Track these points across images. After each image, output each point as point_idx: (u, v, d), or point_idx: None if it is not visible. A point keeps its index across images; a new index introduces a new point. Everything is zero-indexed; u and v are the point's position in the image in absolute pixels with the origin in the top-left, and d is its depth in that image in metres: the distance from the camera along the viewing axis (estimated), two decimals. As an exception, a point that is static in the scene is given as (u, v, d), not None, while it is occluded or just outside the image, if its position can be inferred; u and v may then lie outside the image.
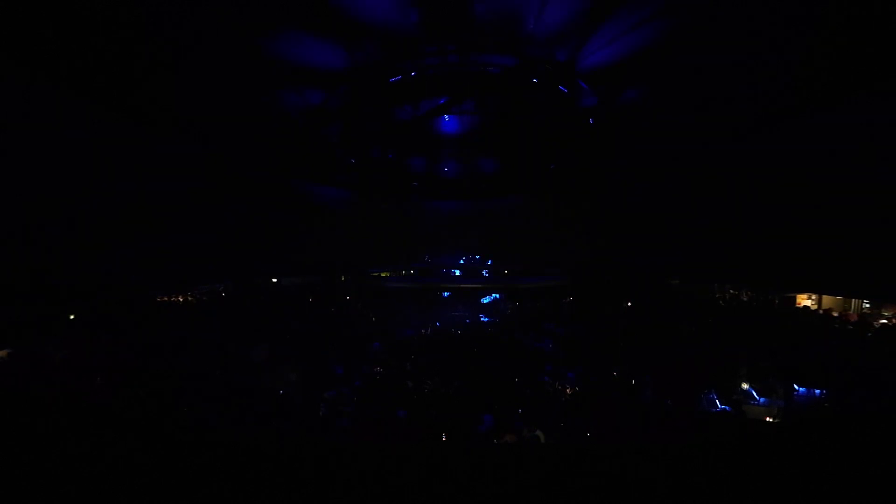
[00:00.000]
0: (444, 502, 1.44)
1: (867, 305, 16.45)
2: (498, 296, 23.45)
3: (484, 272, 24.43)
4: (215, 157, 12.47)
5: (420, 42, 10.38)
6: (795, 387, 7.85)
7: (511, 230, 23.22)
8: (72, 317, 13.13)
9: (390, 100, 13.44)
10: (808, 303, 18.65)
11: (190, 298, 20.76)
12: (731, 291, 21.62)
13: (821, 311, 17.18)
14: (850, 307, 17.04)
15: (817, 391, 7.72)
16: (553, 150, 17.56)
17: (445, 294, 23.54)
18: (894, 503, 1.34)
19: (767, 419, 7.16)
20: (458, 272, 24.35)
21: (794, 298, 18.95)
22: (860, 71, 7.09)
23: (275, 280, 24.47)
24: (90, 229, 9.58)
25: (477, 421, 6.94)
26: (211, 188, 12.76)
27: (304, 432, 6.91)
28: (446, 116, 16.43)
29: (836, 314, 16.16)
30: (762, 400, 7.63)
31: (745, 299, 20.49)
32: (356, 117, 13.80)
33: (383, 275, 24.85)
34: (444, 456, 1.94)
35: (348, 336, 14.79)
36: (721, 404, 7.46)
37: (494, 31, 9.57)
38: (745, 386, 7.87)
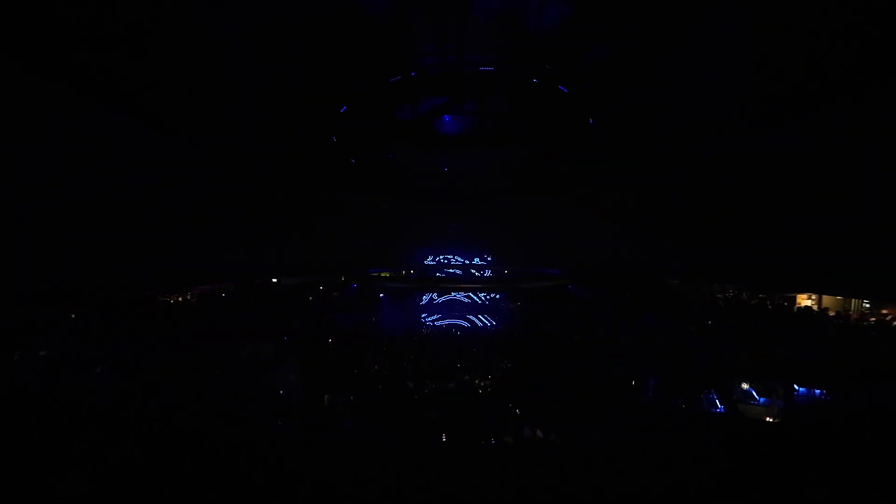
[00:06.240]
0: (443, 502, 1.44)
1: (867, 305, 16.46)
2: (498, 296, 23.45)
3: (485, 272, 24.42)
4: (212, 158, 12.48)
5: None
6: (795, 387, 7.85)
7: (512, 230, 23.23)
8: (73, 316, 13.14)
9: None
10: (809, 303, 18.64)
11: (190, 298, 20.76)
12: (731, 291, 21.62)
13: (821, 312, 17.18)
14: (850, 307, 17.05)
15: (817, 391, 7.72)
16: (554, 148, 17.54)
17: (444, 295, 23.55)
18: (894, 503, 1.34)
19: (767, 419, 7.16)
20: (458, 272, 24.34)
21: (794, 298, 18.95)
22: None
23: (275, 280, 24.48)
24: (90, 226, 9.58)
25: (476, 421, 6.94)
26: (210, 189, 12.77)
27: (305, 432, 6.90)
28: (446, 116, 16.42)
29: (834, 314, 16.17)
30: (762, 400, 7.62)
31: (744, 298, 20.49)
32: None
33: (383, 275, 24.85)
34: (444, 456, 1.94)
35: (348, 336, 14.79)
36: (721, 404, 7.46)
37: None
38: (745, 386, 7.87)
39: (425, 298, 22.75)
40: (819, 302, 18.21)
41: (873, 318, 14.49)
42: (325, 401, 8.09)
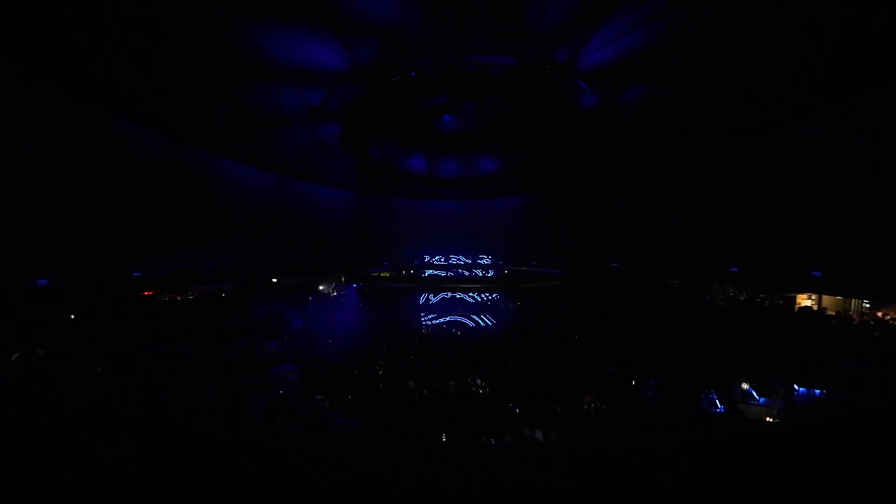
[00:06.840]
0: (444, 502, 1.44)
1: (867, 305, 16.45)
2: (497, 295, 23.45)
3: (486, 272, 24.41)
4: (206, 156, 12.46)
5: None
6: (795, 387, 7.85)
7: (511, 230, 23.23)
8: (72, 316, 13.13)
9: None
10: (808, 303, 18.62)
11: (190, 298, 20.76)
12: (732, 291, 21.60)
13: (821, 311, 17.18)
14: (850, 307, 17.03)
15: (817, 391, 7.72)
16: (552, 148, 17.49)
17: (444, 295, 23.53)
18: (894, 503, 1.34)
19: (767, 419, 7.16)
20: (457, 272, 24.33)
21: (794, 298, 18.93)
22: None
23: (275, 280, 24.49)
24: (92, 225, 9.57)
25: (476, 421, 6.94)
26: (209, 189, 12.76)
27: (305, 432, 6.89)
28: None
29: (834, 314, 16.17)
30: (762, 400, 7.62)
31: (743, 298, 20.48)
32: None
33: (383, 275, 24.85)
34: (444, 456, 1.94)
35: (348, 336, 14.78)
36: (721, 404, 7.46)
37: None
38: (745, 386, 7.87)
39: (423, 298, 22.76)
40: (819, 302, 18.19)
41: (872, 320, 14.49)
42: (320, 401, 8.09)
